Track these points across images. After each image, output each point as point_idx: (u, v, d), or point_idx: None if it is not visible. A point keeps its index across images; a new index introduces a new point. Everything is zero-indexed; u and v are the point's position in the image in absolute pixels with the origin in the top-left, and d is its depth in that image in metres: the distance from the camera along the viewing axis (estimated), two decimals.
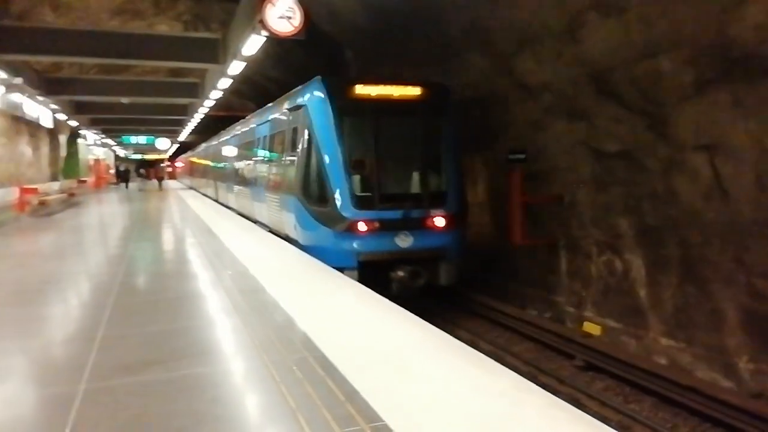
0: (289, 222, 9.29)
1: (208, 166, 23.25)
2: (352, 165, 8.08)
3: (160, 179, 33.93)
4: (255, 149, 12.65)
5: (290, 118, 9.34)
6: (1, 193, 13.46)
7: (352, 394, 2.94)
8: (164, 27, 15.68)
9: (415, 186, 8.43)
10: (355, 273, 7.74)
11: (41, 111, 17.07)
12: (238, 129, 15.54)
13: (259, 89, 21.98)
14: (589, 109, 7.72)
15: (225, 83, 12.80)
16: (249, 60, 9.64)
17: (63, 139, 24.08)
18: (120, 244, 9.59)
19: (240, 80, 16.16)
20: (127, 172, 33.09)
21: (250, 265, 6.76)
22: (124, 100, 18.99)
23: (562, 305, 8.76)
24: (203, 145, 26.39)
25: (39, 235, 11.30)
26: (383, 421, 2.63)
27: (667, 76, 6.42)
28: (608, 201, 7.75)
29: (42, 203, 16.38)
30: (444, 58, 10.61)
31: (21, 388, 3.25)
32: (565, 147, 8.40)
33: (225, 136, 18.20)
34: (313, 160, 8.32)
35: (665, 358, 6.93)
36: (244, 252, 7.86)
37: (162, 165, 41.62)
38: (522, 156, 8.79)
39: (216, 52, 11.37)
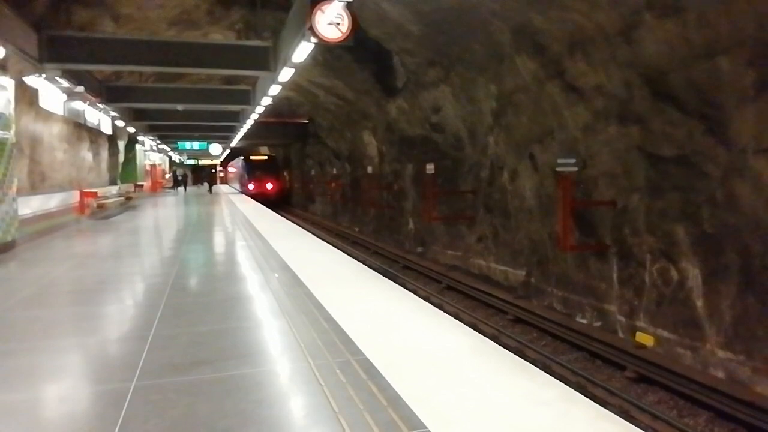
0: (239, 186, 42.77)
1: (233, 173, 52.64)
2: (250, 174, 37.52)
3: (211, 183, 37.00)
4: (237, 169, 45.76)
5: (240, 163, 43.40)
6: (63, 196, 14.08)
7: (395, 399, 2.92)
8: (218, 36, 16.10)
9: (265, 178, 37.35)
10: (250, 198, 27.64)
11: (101, 118, 17.75)
12: (237, 161, 46.61)
13: (308, 95, 22.31)
14: (644, 112, 7.49)
15: (275, 90, 13.00)
16: (298, 67, 9.76)
17: (122, 144, 25.00)
18: (173, 245, 9.89)
19: (289, 87, 16.45)
20: (185, 176, 39.15)
21: (297, 268, 6.85)
22: (179, 107, 19.55)
23: (613, 314, 8.51)
24: (235, 161, 50.40)
25: (97, 237, 11.77)
26: (426, 428, 2.60)
27: (727, 77, 6.16)
28: (664, 207, 7.49)
29: (101, 206, 17.07)
30: (493, 62, 10.52)
31: (76, 385, 3.37)
32: (618, 151, 8.17)
33: (236, 163, 47.04)
34: (243, 174, 39.77)
35: (723, 371, 6.62)
36: (291, 255, 7.97)
37: (213, 171, 45.80)
38: (572, 161, 8.60)
39: (267, 60, 11.56)
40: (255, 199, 26.90)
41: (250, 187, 36.02)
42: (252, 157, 38.40)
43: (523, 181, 10.86)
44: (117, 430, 2.65)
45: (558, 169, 8.72)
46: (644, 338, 7.53)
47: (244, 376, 3.37)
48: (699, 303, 6.98)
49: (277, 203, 33.60)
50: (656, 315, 7.63)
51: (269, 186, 36.24)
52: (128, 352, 3.84)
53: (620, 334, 8.24)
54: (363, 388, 3.08)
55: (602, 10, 7.26)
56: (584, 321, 9.04)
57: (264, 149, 48.06)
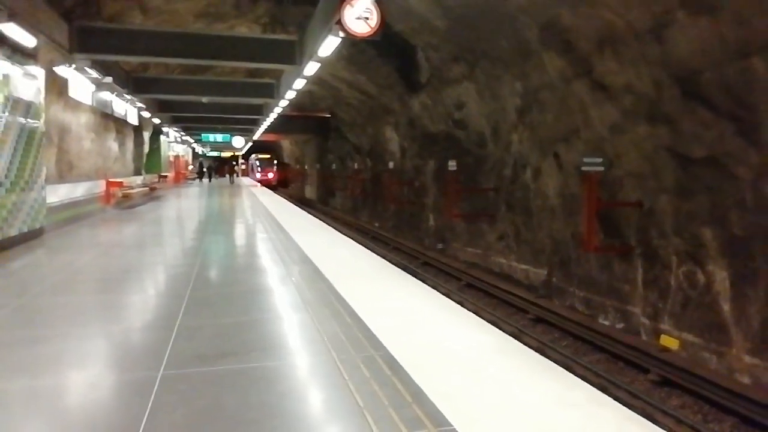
0: (254, 176, 53.32)
1: (249, 166, 60.30)
2: (257, 167, 54.87)
3: (231, 175, 38.34)
4: (250, 164, 58.91)
5: (251, 160, 58.15)
6: (89, 185, 14.29)
7: (419, 396, 2.92)
8: (244, 29, 16.16)
9: (266, 170, 54.37)
10: (258, 185, 36.56)
11: (128, 108, 17.98)
12: (253, 156, 56.72)
13: (330, 89, 22.34)
14: (674, 112, 7.35)
15: (300, 84, 13.04)
16: (323, 61, 9.78)
17: (147, 135, 25.27)
18: (196, 236, 10.00)
19: (313, 81, 16.45)
20: (210, 168, 41.76)
21: (319, 262, 6.87)
22: (204, 99, 19.71)
23: (637, 316, 8.40)
24: (250, 158, 59.04)
25: (123, 226, 11.94)
26: (451, 426, 2.59)
27: (761, 78, 6.02)
28: (692, 209, 7.36)
29: (126, 196, 17.28)
30: (519, 59, 10.42)
31: (104, 373, 3.42)
32: (646, 152, 8.04)
33: (253, 157, 56.92)
34: (253, 167, 56.51)
35: (749, 376, 6.51)
36: (313, 249, 8.00)
37: (234, 163, 47.12)
38: (598, 161, 8.49)
39: (292, 54, 11.57)
40: (260, 183, 41.88)
41: (257, 175, 53.08)
42: (259, 156, 55.29)
43: (546, 179, 10.75)
44: (145, 419, 2.68)
45: (583, 168, 8.62)
46: (669, 341, 7.43)
47: (269, 368, 3.39)
48: (726, 307, 6.86)
49: (274, 187, 47.72)
50: (681, 318, 7.52)
51: (270, 175, 53.70)
52: (154, 342, 3.89)
53: (643, 337, 8.14)
54: (387, 384, 3.08)
55: (633, 7, 7.13)
56: (607, 322, 8.94)
57: (286, 144, 48.74)
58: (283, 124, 28.70)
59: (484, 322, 4.45)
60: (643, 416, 5.71)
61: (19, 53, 8.30)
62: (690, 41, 6.65)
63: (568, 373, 3.33)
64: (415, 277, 9.36)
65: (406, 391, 2.99)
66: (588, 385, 3.14)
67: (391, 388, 3.03)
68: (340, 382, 3.15)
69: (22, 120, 8.52)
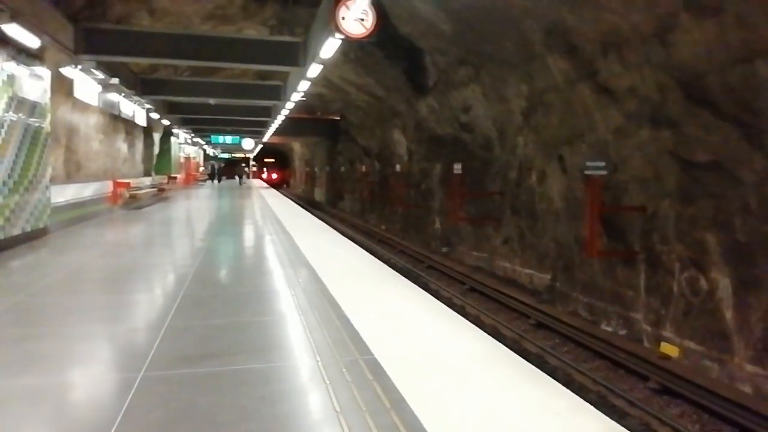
0: (261, 177, 61.21)
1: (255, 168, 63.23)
2: (264, 169, 61.88)
3: (241, 176, 40.59)
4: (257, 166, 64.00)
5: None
6: (97, 186, 14.38)
7: (399, 402, 2.87)
8: (252, 31, 16.20)
9: (271, 171, 61.82)
10: (264, 185, 41.94)
11: (136, 110, 18.09)
12: (252, 162, 60.77)
13: (339, 92, 22.36)
14: (677, 116, 7.26)
15: (304, 86, 13.03)
16: (327, 63, 9.77)
17: (157, 137, 25.43)
18: (199, 237, 10.01)
19: (321, 84, 16.50)
20: (221, 169, 43.87)
21: (317, 265, 6.85)
22: (211, 101, 19.76)
23: (639, 323, 8.29)
24: (257, 162, 63.66)
25: (127, 227, 12.00)
26: None
27: (766, 81, 5.92)
28: (695, 214, 7.25)
29: (133, 197, 17.38)
30: (524, 61, 10.35)
31: (86, 372, 3.41)
32: (649, 156, 7.94)
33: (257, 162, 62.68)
34: (260, 168, 63.42)
35: (750, 386, 6.38)
36: (312, 250, 7.97)
37: (243, 165, 47.06)
38: (602, 164, 8.39)
39: (297, 56, 11.55)
40: (266, 182, 49.69)
41: (264, 176, 60.94)
42: (265, 160, 61.98)
43: (551, 183, 10.67)
44: (119, 420, 2.66)
45: (587, 172, 8.53)
46: (669, 349, 7.31)
47: (251, 371, 3.36)
48: (728, 315, 6.74)
49: (278, 185, 53.85)
50: (683, 325, 7.40)
51: (274, 176, 60.99)
52: (140, 342, 3.88)
53: (646, 344, 8.02)
54: (368, 389, 3.04)
55: (638, 10, 7.05)
56: (609, 329, 8.83)
57: (297, 146, 48.44)
58: (293, 127, 28.75)
59: (476, 327, 4.39)
60: (640, 425, 5.64)
61: (24, 54, 8.37)
62: (694, 44, 6.56)
63: (553, 381, 3.26)
64: (419, 280, 9.33)
65: (386, 397, 2.95)
66: (572, 394, 3.08)
67: (372, 393, 2.99)
68: (320, 386, 3.11)
69: (26, 120, 8.58)
